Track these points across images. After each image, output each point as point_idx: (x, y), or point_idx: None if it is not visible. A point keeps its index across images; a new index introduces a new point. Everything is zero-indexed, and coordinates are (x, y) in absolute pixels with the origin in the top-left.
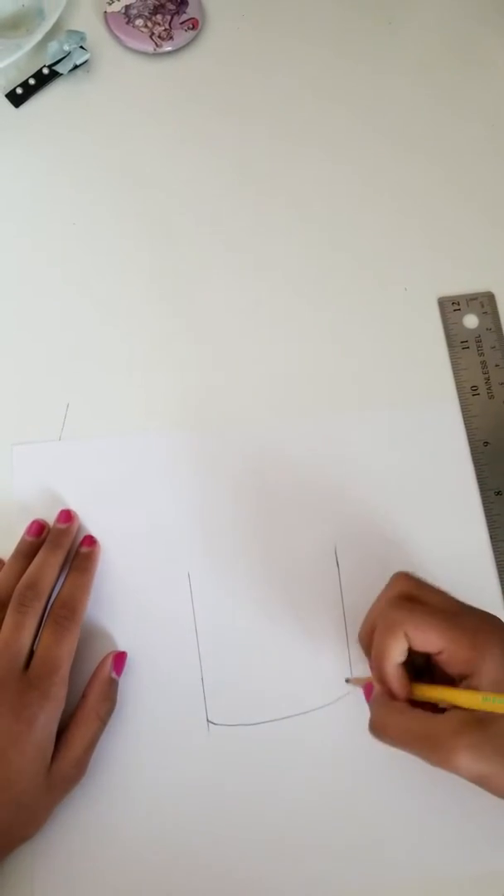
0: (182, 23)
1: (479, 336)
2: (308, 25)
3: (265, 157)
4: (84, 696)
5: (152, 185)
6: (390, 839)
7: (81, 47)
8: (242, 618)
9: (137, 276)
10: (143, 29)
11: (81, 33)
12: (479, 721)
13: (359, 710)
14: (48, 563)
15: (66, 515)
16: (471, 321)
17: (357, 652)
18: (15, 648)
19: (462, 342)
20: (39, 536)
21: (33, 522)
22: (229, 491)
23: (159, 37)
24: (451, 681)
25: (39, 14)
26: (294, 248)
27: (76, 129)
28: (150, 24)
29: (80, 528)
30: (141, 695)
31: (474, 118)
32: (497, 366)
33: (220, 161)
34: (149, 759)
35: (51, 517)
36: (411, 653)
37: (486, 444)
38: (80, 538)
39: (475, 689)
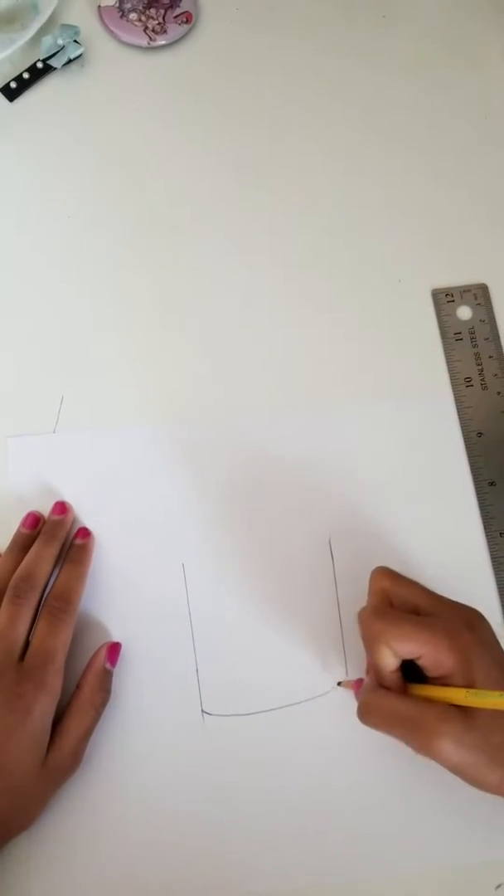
0: (176, 17)
1: (473, 327)
2: (302, 19)
3: (259, 151)
4: (79, 686)
5: (146, 178)
6: (385, 828)
7: (75, 41)
8: (237, 609)
9: (131, 270)
10: (136, 23)
11: (75, 27)
12: (464, 712)
13: (351, 701)
14: (43, 555)
15: (61, 507)
16: (464, 313)
17: (350, 642)
18: (10, 639)
19: (455, 334)
20: (35, 529)
21: (28, 515)
22: (223, 483)
23: (153, 31)
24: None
25: (34, 8)
26: (287, 241)
27: (70, 123)
28: (143, 18)
29: (74, 519)
30: (136, 685)
31: (469, 112)
32: (491, 357)
33: (214, 154)
34: (144, 748)
35: (45, 509)
36: None
37: (479, 434)
38: (75, 530)
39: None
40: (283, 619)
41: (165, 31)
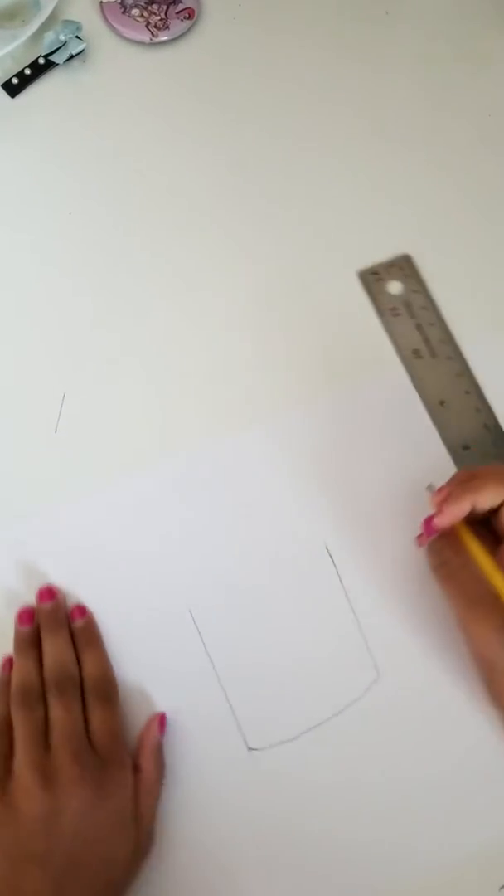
0: (178, 12)
1: (407, 299)
2: (304, 15)
3: (260, 148)
4: (139, 767)
5: (148, 174)
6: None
7: (77, 37)
8: (253, 638)
9: (133, 266)
10: (138, 19)
11: (77, 23)
12: None
13: (386, 698)
14: (60, 647)
15: (49, 593)
16: (395, 287)
17: (376, 641)
18: (75, 727)
19: (391, 310)
20: (32, 623)
21: (21, 612)
22: (205, 517)
23: (155, 26)
24: None
25: (35, 4)
26: (285, 241)
27: (72, 118)
28: (145, 13)
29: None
30: (174, 741)
31: (472, 109)
32: (432, 324)
33: (215, 151)
34: (196, 803)
35: (30, 594)
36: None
37: (441, 402)
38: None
39: None
40: (300, 635)
41: (168, 27)
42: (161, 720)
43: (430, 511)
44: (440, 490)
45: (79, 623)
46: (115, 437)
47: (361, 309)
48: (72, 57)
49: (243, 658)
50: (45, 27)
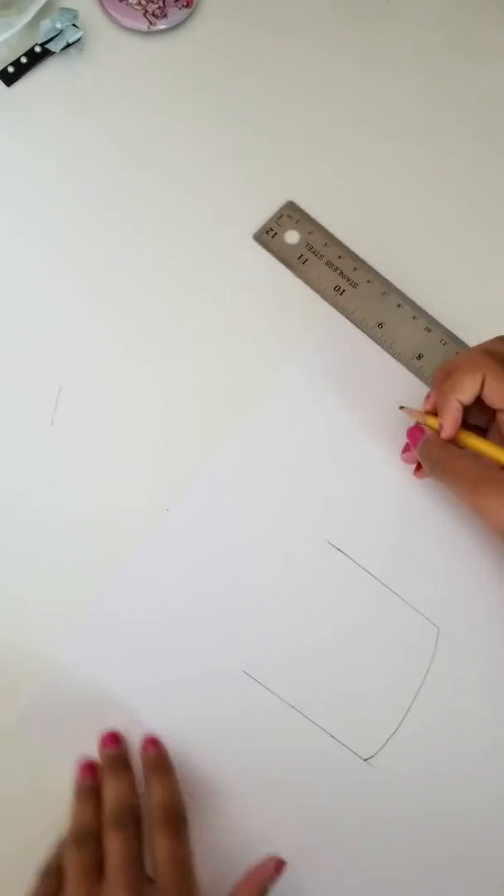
0: (176, 0)
1: (308, 243)
2: (303, 4)
3: (258, 137)
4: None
5: (145, 164)
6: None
7: (74, 25)
8: (313, 664)
9: (131, 257)
10: (136, 7)
11: (74, 11)
12: None
13: (456, 644)
14: (123, 790)
15: (111, 739)
16: (292, 237)
17: (418, 599)
18: (133, 860)
19: (298, 258)
20: (95, 779)
21: (83, 766)
22: (229, 547)
23: (153, 14)
24: None
25: None
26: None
27: (68, 107)
28: (143, 1)
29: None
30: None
31: (472, 102)
32: (340, 257)
33: (212, 141)
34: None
35: None
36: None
37: (380, 325)
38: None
39: None
40: (354, 635)
41: (166, 16)
42: (278, 865)
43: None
44: (427, 398)
45: (151, 755)
46: (112, 433)
47: (273, 271)
48: (68, 45)
49: (314, 686)
50: (41, 15)
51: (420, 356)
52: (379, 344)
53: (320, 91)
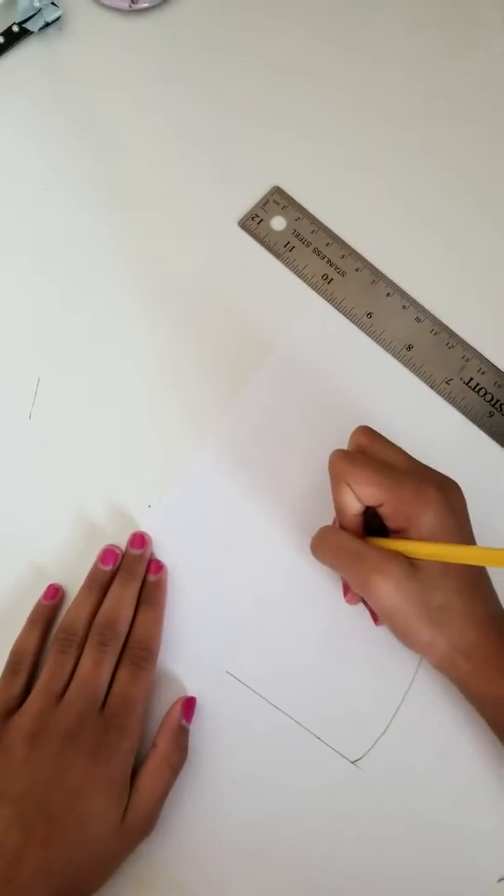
0: None
1: (295, 230)
2: None
3: (243, 119)
4: (154, 744)
5: (126, 148)
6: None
7: (53, 3)
8: (296, 664)
9: (110, 242)
10: None
11: None
12: (411, 562)
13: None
14: (124, 598)
15: (140, 540)
16: (278, 223)
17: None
18: (94, 687)
19: (285, 245)
20: (114, 565)
21: (106, 551)
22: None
23: None
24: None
25: None
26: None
27: (48, 89)
28: None
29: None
30: (212, 739)
31: (466, 81)
32: (328, 245)
33: (194, 123)
34: (227, 809)
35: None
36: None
37: (369, 314)
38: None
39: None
40: (337, 639)
41: None
42: (186, 704)
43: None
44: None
45: (151, 578)
46: (92, 426)
47: (258, 258)
48: (47, 24)
49: (300, 687)
50: None
51: (410, 347)
52: (368, 334)
53: (309, 72)
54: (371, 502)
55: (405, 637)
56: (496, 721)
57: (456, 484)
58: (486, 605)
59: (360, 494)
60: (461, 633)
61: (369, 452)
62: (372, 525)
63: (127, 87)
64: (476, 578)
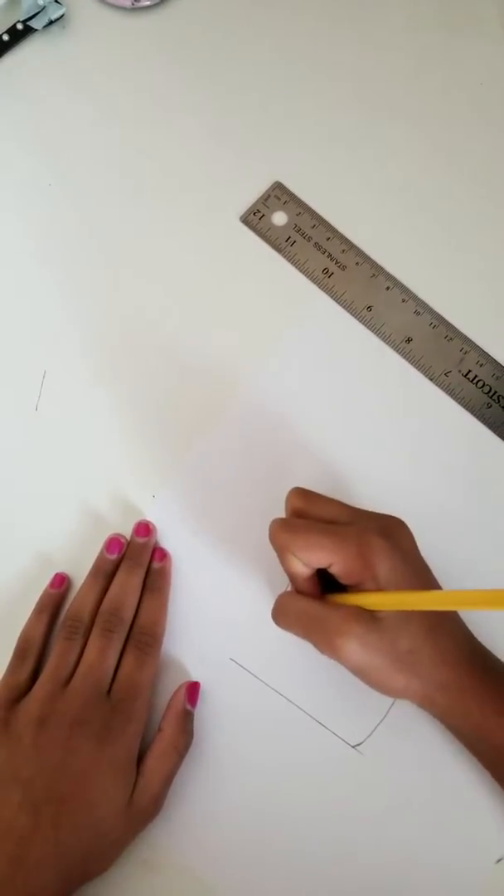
0: None
1: (296, 225)
2: None
3: (245, 115)
4: (160, 728)
5: (128, 144)
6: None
7: (56, 1)
8: (295, 650)
9: (114, 237)
10: None
11: None
12: (371, 615)
13: None
14: (130, 586)
15: (145, 528)
16: (280, 218)
17: None
18: (100, 672)
19: (287, 240)
20: (120, 553)
21: (112, 539)
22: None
23: None
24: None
25: None
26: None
27: (51, 86)
28: None
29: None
30: (219, 726)
31: (464, 77)
32: (329, 239)
33: (198, 120)
34: (232, 793)
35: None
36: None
37: (369, 308)
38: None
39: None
40: None
41: None
42: (190, 688)
43: None
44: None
45: (155, 565)
46: (94, 416)
47: (260, 253)
48: (51, 22)
49: (302, 672)
50: None
51: (409, 339)
52: (368, 327)
53: (310, 68)
54: (320, 565)
55: (381, 689)
56: (477, 749)
57: (399, 522)
58: (453, 639)
59: (307, 560)
60: (433, 672)
61: (307, 514)
62: (329, 577)
63: (130, 83)
64: (439, 615)
